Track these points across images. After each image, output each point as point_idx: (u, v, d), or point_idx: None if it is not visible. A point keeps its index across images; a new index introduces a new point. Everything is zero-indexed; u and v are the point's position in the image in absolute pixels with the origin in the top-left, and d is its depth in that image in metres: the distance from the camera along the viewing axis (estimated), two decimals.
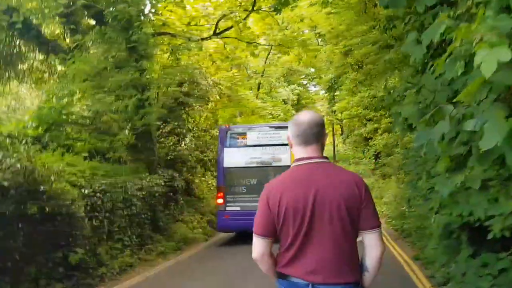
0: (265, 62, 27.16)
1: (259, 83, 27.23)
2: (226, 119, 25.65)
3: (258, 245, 2.07)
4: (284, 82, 46.91)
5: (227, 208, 10.56)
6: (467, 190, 3.44)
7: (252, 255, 2.11)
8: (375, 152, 23.87)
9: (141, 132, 11.04)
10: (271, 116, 26.01)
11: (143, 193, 9.58)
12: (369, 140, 23.75)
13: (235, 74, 19.59)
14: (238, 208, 10.30)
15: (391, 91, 6.42)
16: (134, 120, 9.96)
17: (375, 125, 17.87)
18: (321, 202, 1.96)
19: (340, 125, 50.14)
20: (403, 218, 11.03)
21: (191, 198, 14.87)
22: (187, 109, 14.67)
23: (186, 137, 14.74)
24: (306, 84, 55.88)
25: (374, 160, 24.43)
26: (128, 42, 9.99)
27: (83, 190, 7.48)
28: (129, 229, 8.81)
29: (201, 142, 15.06)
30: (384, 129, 16.97)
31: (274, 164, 10.30)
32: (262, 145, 10.64)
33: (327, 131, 2.20)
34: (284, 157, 10.17)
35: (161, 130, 12.90)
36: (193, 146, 14.95)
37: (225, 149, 10.82)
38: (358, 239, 2.03)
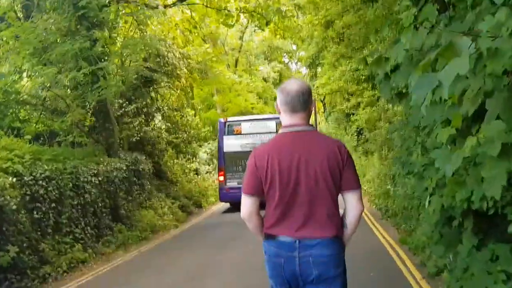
0: (242, 38, 25.89)
1: (236, 60, 25.99)
2: (203, 98, 24.51)
3: (247, 204, 2.21)
4: (264, 60, 45.80)
5: (227, 184, 12.88)
6: (477, 166, 2.54)
7: (240, 214, 2.25)
8: (357, 128, 23.12)
9: (98, 111, 9.94)
10: (250, 93, 24.96)
11: (99, 178, 8.54)
12: (351, 116, 22.96)
13: (208, 49, 18.40)
14: (236, 184, 12.32)
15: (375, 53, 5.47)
16: (87, 96, 8.82)
17: (358, 99, 16.92)
18: (306, 165, 2.11)
19: (322, 102, 49.47)
20: (387, 197, 10.23)
21: (162, 182, 13.91)
22: (155, 87, 13.54)
23: (155, 118, 13.65)
24: (288, 62, 54.94)
25: (356, 137, 23.71)
26: (77, 9, 8.78)
27: (20, 178, 6.43)
28: (82, 220, 7.79)
29: (172, 124, 13.96)
30: (366, 103, 16.06)
31: None
32: (254, 133, 12.87)
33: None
34: None
35: (123, 109, 11.76)
36: (163, 127, 13.89)
37: (224, 137, 13.07)
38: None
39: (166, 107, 13.85)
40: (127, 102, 11.93)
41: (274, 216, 2.16)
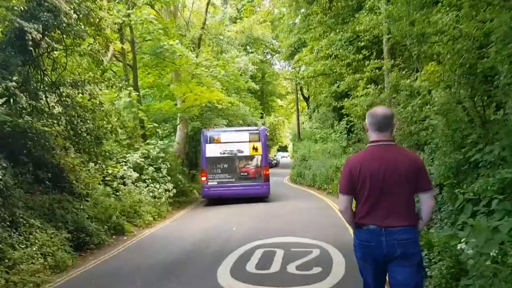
0: (207, 10, 21.15)
1: (199, 38, 21.22)
2: (157, 84, 19.68)
3: (344, 201, 3.01)
4: (244, 51, 41.29)
5: (209, 183, 15.16)
6: None
7: (338, 208, 3.16)
8: (347, 124, 18.65)
9: None
10: (221, 87, 20.16)
11: None
12: (341, 110, 18.53)
13: (151, 16, 13.70)
14: (216, 183, 15.15)
15: None
16: None
17: (357, 76, 12.29)
18: (390, 171, 2.85)
19: (307, 101, 44.98)
20: None
21: (62, 197, 9.17)
22: (48, 51, 8.80)
23: (47, 97, 8.85)
24: (269, 58, 50.49)
25: (346, 135, 19.24)
26: None
27: None
28: None
29: (76, 109, 9.09)
30: (370, 78, 11.41)
31: (238, 154, 15.38)
32: (231, 142, 15.49)
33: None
34: (245, 149, 15.43)
35: None
36: (61, 112, 9.08)
37: (207, 145, 15.39)
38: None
39: (67, 83, 9.02)
40: None
41: (363, 210, 2.93)
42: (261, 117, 49.41)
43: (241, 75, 25.91)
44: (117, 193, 10.76)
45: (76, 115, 8.66)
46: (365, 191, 2.88)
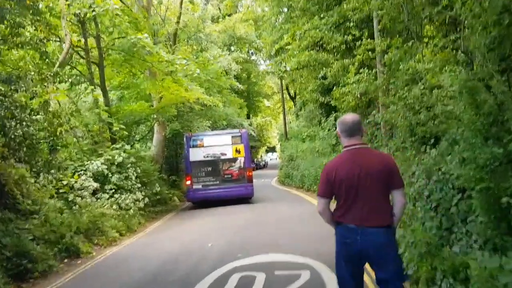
0: (181, 5, 19.66)
1: (175, 34, 19.69)
2: (128, 85, 18.11)
3: (322, 203, 3.20)
4: (226, 50, 39.92)
5: (194, 186, 15.44)
6: None
7: (317, 209, 3.25)
8: (336, 120, 17.30)
9: None
10: (201, 87, 18.60)
11: None
12: (328, 106, 17.22)
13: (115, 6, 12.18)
14: (200, 186, 15.44)
15: None
16: None
17: (346, 62, 10.81)
18: (364, 174, 3.01)
19: (292, 98, 43.75)
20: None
21: (3, 215, 7.65)
22: None
23: None
24: (254, 59, 49.21)
25: (335, 132, 17.87)
26: None
27: None
28: None
29: (11, 109, 7.53)
30: (362, 62, 9.90)
31: (222, 157, 15.72)
32: (214, 146, 15.84)
33: None
34: (228, 152, 15.78)
35: None
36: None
37: (190, 149, 15.74)
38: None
39: None
40: None
41: (341, 210, 3.12)
42: (248, 118, 48.15)
43: (223, 73, 24.46)
44: (73, 208, 9.22)
45: (9, 116, 7.11)
46: (342, 193, 3.09)
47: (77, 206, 9.29)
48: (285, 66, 13.87)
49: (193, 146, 15.60)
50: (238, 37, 43.47)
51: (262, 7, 38.18)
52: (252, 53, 48.49)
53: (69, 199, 9.20)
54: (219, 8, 43.23)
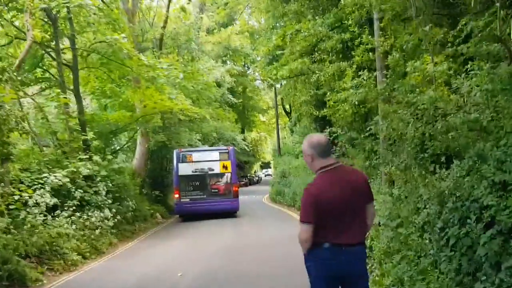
0: (168, 7, 18.64)
1: (160, 39, 18.60)
2: (103, 91, 16.93)
3: (307, 230, 2.97)
4: (221, 63, 39.05)
5: (181, 200, 16.04)
6: None
7: (300, 237, 2.99)
8: (330, 136, 16.12)
9: None
10: (187, 97, 17.47)
11: None
12: (322, 121, 16.08)
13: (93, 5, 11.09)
14: (188, 200, 16.02)
15: None
16: None
17: (343, 64, 9.55)
18: (350, 191, 2.98)
19: (287, 113, 42.62)
20: None
21: None
22: None
23: None
24: (250, 73, 48.34)
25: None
26: None
27: None
28: None
29: None
30: (360, 64, 8.68)
31: (209, 172, 16.33)
32: (202, 161, 16.50)
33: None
34: (216, 168, 16.40)
35: None
36: None
37: (179, 164, 16.30)
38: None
39: None
40: None
41: (325, 230, 2.93)
42: (242, 132, 47.00)
43: (214, 85, 23.33)
44: (24, 227, 7.94)
45: None
46: (327, 216, 2.95)
47: (29, 225, 8.00)
48: (275, 74, 12.80)
49: (182, 161, 16.24)
50: (233, 49, 42.66)
51: (258, 18, 37.48)
52: (247, 67, 47.69)
53: (18, 218, 7.90)
54: (214, 22, 42.32)
